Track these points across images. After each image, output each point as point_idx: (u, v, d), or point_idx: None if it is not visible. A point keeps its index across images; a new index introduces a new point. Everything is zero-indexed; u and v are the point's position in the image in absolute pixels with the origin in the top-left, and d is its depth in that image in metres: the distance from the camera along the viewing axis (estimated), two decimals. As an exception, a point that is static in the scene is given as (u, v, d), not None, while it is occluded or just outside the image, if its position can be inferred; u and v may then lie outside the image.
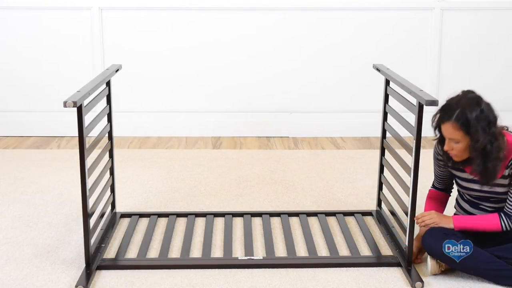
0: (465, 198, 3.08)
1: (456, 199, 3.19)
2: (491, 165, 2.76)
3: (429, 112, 4.86)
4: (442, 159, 3.00)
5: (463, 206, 3.09)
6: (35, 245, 3.25)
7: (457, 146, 2.78)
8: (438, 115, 2.81)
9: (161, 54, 5.25)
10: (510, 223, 2.86)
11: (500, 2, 5.25)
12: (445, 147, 2.83)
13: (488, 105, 2.75)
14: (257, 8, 5.20)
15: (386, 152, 3.51)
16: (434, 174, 3.20)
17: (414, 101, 2.91)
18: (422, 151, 2.93)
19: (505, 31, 5.29)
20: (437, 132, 2.89)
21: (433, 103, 2.72)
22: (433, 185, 3.25)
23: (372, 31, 5.25)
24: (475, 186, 2.96)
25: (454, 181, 3.15)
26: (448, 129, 2.76)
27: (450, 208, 3.29)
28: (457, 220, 2.93)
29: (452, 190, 3.23)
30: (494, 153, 2.73)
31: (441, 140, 2.93)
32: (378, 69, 3.47)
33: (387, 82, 3.45)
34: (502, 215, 2.88)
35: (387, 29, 5.26)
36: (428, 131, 4.96)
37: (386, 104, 3.47)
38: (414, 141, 2.87)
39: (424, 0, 5.22)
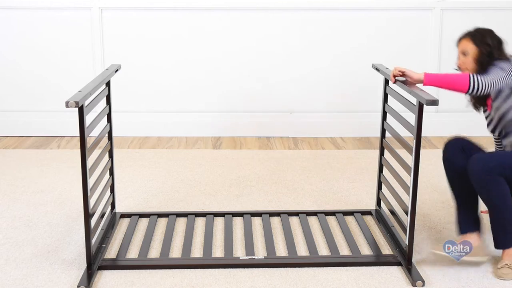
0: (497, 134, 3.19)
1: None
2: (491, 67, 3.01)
3: (429, 112, 4.87)
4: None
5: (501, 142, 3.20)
6: (35, 245, 3.25)
7: (467, 59, 3.10)
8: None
9: (161, 54, 5.26)
10: (478, 82, 2.92)
11: (500, 2, 5.26)
12: (458, 63, 3.16)
13: (500, 39, 3.12)
14: (257, 8, 5.20)
15: (386, 151, 3.51)
16: None
17: (414, 100, 2.91)
18: (422, 151, 2.94)
19: (504, 31, 5.26)
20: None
21: (433, 102, 2.74)
22: None
23: (372, 31, 5.26)
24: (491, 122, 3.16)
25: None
26: (462, 44, 3.14)
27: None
28: (427, 76, 3.02)
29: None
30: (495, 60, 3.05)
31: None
32: (377, 69, 3.48)
33: (386, 82, 3.45)
34: (473, 74, 2.96)
35: (387, 29, 5.26)
36: (428, 131, 4.97)
37: (386, 104, 3.47)
38: (414, 141, 2.87)
39: (424, 0, 5.23)
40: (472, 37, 3.12)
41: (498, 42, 3.11)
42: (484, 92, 2.93)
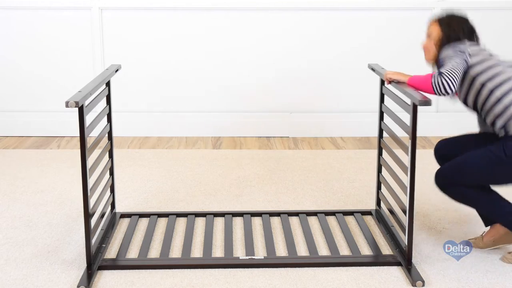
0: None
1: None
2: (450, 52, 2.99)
3: (429, 112, 4.84)
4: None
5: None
6: (35, 245, 3.25)
7: (430, 42, 3.14)
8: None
9: (161, 54, 5.26)
10: (439, 83, 2.84)
11: (500, 2, 5.26)
12: (422, 45, 3.21)
13: (473, 27, 3.11)
14: (257, 8, 5.21)
15: (384, 151, 3.51)
16: None
17: (409, 101, 2.92)
18: (418, 150, 2.94)
19: (504, 31, 5.29)
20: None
21: (426, 103, 2.74)
22: None
23: (372, 31, 5.26)
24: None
25: None
26: (430, 27, 3.16)
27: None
28: (410, 78, 3.04)
29: None
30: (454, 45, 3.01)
31: None
32: (373, 69, 3.48)
33: (382, 82, 3.46)
34: (435, 75, 2.88)
35: (387, 29, 5.26)
36: (427, 131, 4.97)
37: (382, 104, 3.48)
38: (410, 141, 2.88)
39: (424, 0, 5.23)
40: (439, 21, 3.14)
41: (469, 30, 3.08)
42: (451, 88, 2.84)
